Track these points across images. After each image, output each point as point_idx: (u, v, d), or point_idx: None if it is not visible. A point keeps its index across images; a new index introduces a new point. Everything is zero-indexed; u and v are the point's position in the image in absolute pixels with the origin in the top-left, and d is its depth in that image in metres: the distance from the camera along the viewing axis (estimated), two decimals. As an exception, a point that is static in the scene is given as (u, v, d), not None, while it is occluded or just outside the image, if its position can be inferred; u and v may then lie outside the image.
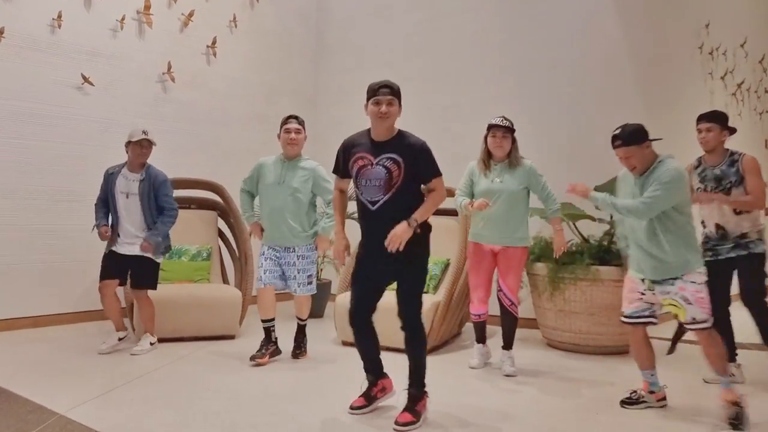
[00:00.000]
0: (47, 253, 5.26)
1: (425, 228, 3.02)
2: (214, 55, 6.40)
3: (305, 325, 4.35)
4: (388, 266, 3.01)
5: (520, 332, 4.35)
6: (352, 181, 3.08)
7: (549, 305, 4.65)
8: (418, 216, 2.92)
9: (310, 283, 4.18)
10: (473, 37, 6.16)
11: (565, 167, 5.22)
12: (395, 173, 2.96)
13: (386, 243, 2.88)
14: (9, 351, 4.33)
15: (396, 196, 2.95)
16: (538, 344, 4.91)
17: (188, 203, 5.68)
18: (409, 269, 3.04)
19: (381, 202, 2.97)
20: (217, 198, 5.70)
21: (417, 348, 3.07)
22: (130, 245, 4.29)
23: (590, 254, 4.49)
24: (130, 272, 4.39)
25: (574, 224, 4.73)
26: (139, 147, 4.30)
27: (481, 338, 4.15)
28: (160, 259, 4.42)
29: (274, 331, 4.19)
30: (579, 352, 4.59)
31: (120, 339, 4.41)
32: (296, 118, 4.16)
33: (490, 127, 3.96)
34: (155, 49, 5.94)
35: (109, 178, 4.38)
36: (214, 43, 6.36)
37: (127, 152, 4.38)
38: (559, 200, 4.02)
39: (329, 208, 4.08)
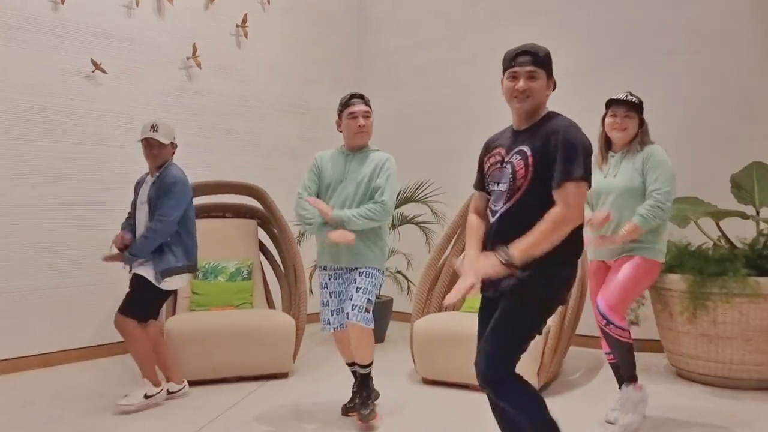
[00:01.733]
0: (59, 277, 4.37)
1: (538, 268, 1.98)
2: (245, 36, 5.47)
3: (370, 373, 3.19)
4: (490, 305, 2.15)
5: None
6: (486, 186, 2.25)
7: (686, 328, 3.65)
8: (519, 249, 1.92)
9: (367, 310, 2.99)
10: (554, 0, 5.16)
11: (685, 147, 4.26)
12: (520, 172, 2.04)
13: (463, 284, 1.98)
14: (8, 400, 3.45)
15: (519, 207, 2.03)
16: (666, 376, 3.92)
17: (222, 211, 4.77)
18: (505, 318, 2.05)
19: (499, 213, 2.08)
20: (256, 204, 4.79)
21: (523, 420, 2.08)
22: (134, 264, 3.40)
23: (745, 262, 3.48)
24: None
25: (717, 224, 3.72)
26: (147, 147, 3.38)
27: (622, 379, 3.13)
28: (162, 285, 3.32)
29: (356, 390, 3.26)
30: (728, 387, 3.60)
31: (148, 396, 3.36)
32: (361, 96, 3.14)
33: (609, 103, 3.00)
34: (177, 30, 5.03)
35: (136, 188, 3.58)
36: (244, 22, 5.43)
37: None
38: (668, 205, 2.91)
39: (372, 204, 3.01)
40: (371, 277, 3.05)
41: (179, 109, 5.03)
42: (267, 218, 4.75)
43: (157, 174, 3.39)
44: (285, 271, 4.58)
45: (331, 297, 3.16)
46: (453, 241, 4.35)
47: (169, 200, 3.29)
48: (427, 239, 5.33)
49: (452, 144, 5.71)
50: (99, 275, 4.53)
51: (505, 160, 2.11)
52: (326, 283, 3.17)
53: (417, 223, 5.30)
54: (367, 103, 3.14)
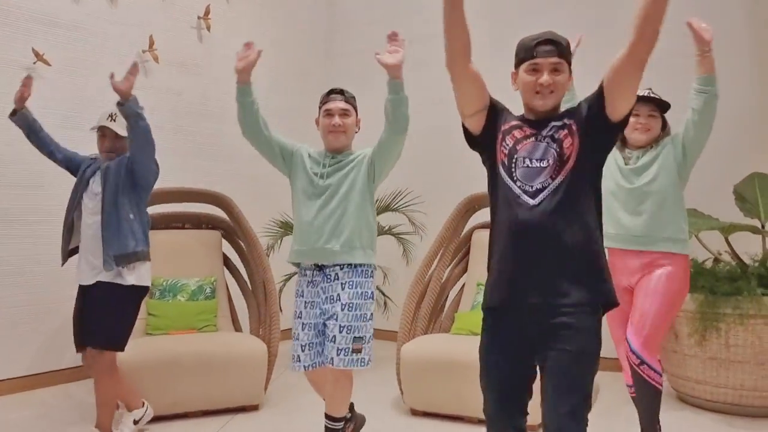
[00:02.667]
0: (11, 295, 3.82)
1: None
2: (208, 29, 5.01)
3: (342, 428, 2.72)
4: (543, 332, 1.72)
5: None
6: (498, 160, 1.84)
7: (694, 351, 3.40)
8: None
9: (357, 350, 2.51)
10: None
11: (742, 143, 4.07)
12: (566, 141, 1.77)
13: None
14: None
15: (570, 184, 1.74)
16: (666, 400, 3.67)
17: (182, 221, 4.29)
18: (576, 354, 1.69)
19: (548, 189, 1.74)
20: (220, 213, 4.34)
21: None
22: (83, 269, 2.85)
23: (759, 281, 3.26)
24: (85, 316, 2.85)
25: (726, 240, 3.49)
26: (101, 137, 2.96)
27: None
28: (130, 278, 2.79)
29: (350, 419, 2.82)
30: (738, 414, 3.37)
31: (137, 421, 3.04)
32: (342, 92, 2.72)
33: None
34: (132, 20, 4.53)
35: (86, 163, 3.04)
36: (207, 14, 4.97)
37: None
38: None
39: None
40: (359, 297, 2.55)
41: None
42: (232, 229, 4.30)
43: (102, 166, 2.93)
44: (253, 288, 4.14)
45: (302, 329, 2.62)
46: (439, 254, 4.01)
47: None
48: (404, 251, 4.98)
49: (431, 150, 5.39)
50: (39, 293, 3.99)
51: (542, 135, 1.79)
52: (300, 312, 2.65)
53: (394, 234, 4.94)
54: (348, 99, 2.72)
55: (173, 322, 3.75)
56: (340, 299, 2.55)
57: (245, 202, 4.49)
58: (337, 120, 2.63)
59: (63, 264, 2.98)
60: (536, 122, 1.82)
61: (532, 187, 1.74)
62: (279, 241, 4.74)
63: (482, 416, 3.18)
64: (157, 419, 3.27)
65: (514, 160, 1.79)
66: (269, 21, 5.56)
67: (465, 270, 4.17)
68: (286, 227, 4.78)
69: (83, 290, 2.85)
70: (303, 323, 2.63)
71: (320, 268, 2.61)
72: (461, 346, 3.35)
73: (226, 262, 4.34)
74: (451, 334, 3.73)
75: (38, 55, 3.96)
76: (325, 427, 2.68)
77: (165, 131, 4.72)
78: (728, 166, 4.13)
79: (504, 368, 1.78)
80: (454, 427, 3.23)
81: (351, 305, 2.54)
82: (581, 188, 1.75)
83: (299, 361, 2.61)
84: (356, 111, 2.75)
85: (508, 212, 1.77)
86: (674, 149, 2.65)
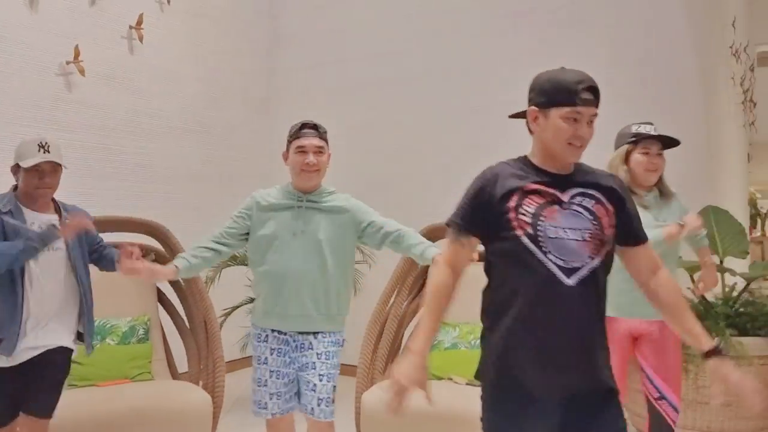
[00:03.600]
0: None
1: None
2: (140, 39, 4.58)
3: None
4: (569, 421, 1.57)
5: None
6: (515, 229, 1.59)
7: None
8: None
9: (333, 400, 2.47)
10: (493, 17, 4.79)
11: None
12: (605, 220, 1.60)
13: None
14: None
15: (603, 267, 1.59)
16: (630, 439, 3.59)
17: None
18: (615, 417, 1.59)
19: (586, 269, 1.55)
20: (153, 242, 3.92)
21: None
22: (41, 336, 2.42)
23: (726, 320, 3.23)
24: (21, 387, 2.43)
25: (691, 277, 3.46)
26: (37, 175, 2.42)
27: None
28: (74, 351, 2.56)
29: None
30: (702, 455, 3.32)
31: None
32: (315, 127, 2.47)
33: (638, 138, 2.53)
34: (55, 28, 4.06)
35: None
36: (139, 23, 4.54)
37: (17, 181, 2.51)
38: None
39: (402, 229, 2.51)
40: (335, 348, 2.47)
41: (53, 123, 4.04)
42: (167, 261, 3.87)
43: (63, 213, 2.52)
44: (191, 327, 3.75)
45: (271, 377, 2.46)
46: (397, 290, 3.78)
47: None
48: (354, 282, 4.72)
49: (379, 173, 5.16)
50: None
51: (567, 202, 1.59)
52: (266, 359, 2.47)
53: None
54: (322, 136, 2.49)
55: (102, 370, 3.31)
56: (313, 347, 2.43)
57: (181, 230, 4.08)
58: (311, 158, 2.39)
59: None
60: (554, 181, 1.62)
61: (570, 264, 1.53)
62: (218, 274, 4.37)
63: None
64: (83, 489, 2.85)
65: (540, 230, 1.56)
66: (208, 32, 5.18)
67: (420, 305, 3.96)
68: (228, 258, 4.41)
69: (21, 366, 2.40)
70: (271, 370, 2.44)
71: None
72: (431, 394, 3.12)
73: (160, 297, 3.93)
74: (414, 378, 3.49)
75: (-59, 65, 3.44)
76: None
77: (87, 149, 4.26)
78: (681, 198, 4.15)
79: None
80: (421, 482, 2.98)
81: (327, 353, 2.45)
82: (605, 272, 1.62)
83: (266, 408, 2.46)
84: (328, 146, 2.50)
85: (530, 285, 1.55)
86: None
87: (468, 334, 3.53)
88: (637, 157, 2.54)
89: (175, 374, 3.71)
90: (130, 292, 3.74)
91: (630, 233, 1.66)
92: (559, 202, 1.59)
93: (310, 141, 2.42)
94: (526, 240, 1.55)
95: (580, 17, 4.63)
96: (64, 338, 2.45)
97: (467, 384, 3.26)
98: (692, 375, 3.22)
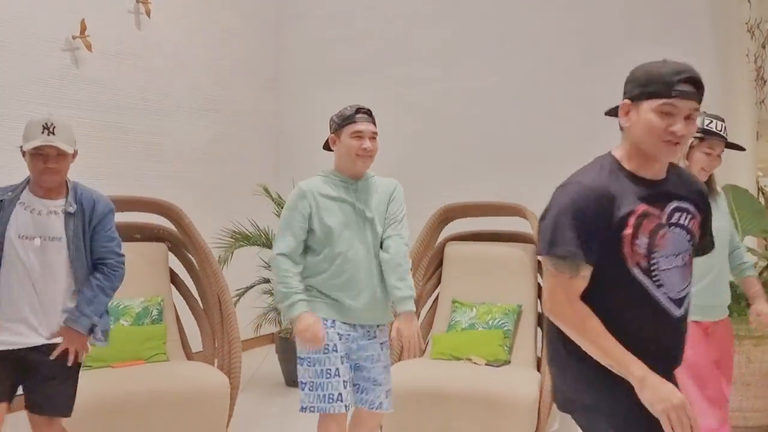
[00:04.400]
0: None
1: None
2: (147, 14, 4.50)
3: None
4: None
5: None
6: (629, 263, 1.45)
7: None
8: None
9: (390, 390, 2.45)
10: None
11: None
12: (696, 236, 1.54)
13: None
14: None
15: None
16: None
17: (122, 234, 3.78)
18: None
19: (686, 299, 1.51)
20: (165, 223, 3.88)
21: None
22: (35, 331, 2.29)
23: (747, 300, 3.19)
24: (29, 383, 2.33)
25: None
26: (41, 159, 2.25)
27: None
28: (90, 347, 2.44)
29: None
30: (721, 435, 3.31)
31: None
32: (369, 112, 2.41)
33: (706, 135, 2.34)
34: (62, 2, 3.97)
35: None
36: (146, -3, 4.45)
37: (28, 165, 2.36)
38: None
39: (405, 262, 2.42)
40: (387, 335, 2.48)
41: (60, 101, 3.97)
42: (180, 241, 3.85)
43: (71, 196, 2.35)
44: (206, 308, 3.72)
45: (342, 363, 2.30)
46: (412, 271, 3.73)
47: (116, 235, 2.47)
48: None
49: (391, 155, 5.08)
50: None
51: (667, 221, 1.48)
52: (335, 346, 2.30)
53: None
54: (374, 121, 2.44)
55: (117, 351, 3.27)
56: (377, 336, 2.43)
57: (192, 210, 4.04)
58: (368, 144, 2.35)
59: None
60: (655, 195, 1.48)
61: (678, 294, 1.47)
62: (231, 254, 4.32)
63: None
64: (103, 469, 2.84)
65: (654, 262, 1.44)
66: (215, 8, 5.09)
67: (437, 284, 3.93)
68: (239, 237, 4.37)
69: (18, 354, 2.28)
70: (341, 356, 2.30)
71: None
72: (447, 374, 3.11)
73: (173, 278, 3.90)
74: (431, 359, 3.47)
75: (-52, 40, 3.36)
76: None
77: (96, 128, 4.19)
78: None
79: None
80: (440, 462, 2.98)
81: (386, 344, 2.47)
82: None
83: (341, 399, 2.25)
84: None
85: (643, 315, 1.46)
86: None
87: (485, 315, 3.51)
88: (699, 156, 2.35)
89: (189, 355, 3.68)
90: (143, 273, 3.69)
91: (702, 244, 1.60)
92: (663, 224, 1.47)
93: (367, 126, 2.37)
94: (639, 274, 1.44)
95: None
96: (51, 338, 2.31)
97: (486, 365, 3.24)
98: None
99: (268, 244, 4.43)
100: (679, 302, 1.47)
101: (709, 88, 4.47)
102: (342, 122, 2.37)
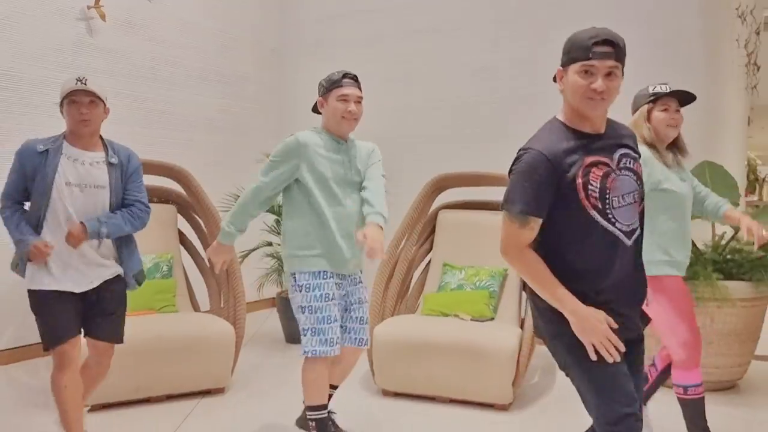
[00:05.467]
0: None
1: None
2: (158, -14, 4.68)
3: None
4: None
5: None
6: (585, 206, 1.67)
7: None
8: None
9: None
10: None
11: (693, 133, 4.18)
12: (641, 176, 1.77)
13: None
14: None
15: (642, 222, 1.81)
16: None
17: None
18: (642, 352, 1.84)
19: (637, 232, 1.75)
20: (174, 186, 4.12)
21: None
22: (89, 274, 2.51)
23: (713, 265, 3.45)
24: (91, 317, 2.55)
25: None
26: (75, 105, 2.45)
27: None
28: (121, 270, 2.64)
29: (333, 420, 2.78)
30: (685, 390, 3.59)
31: None
32: (355, 78, 2.61)
33: (657, 97, 2.62)
34: (76, -27, 4.16)
35: (38, 159, 2.45)
36: (157, -30, 4.64)
37: (64, 118, 2.56)
38: None
39: (383, 194, 2.57)
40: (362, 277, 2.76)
41: (75, 68, 4.18)
42: (188, 204, 4.10)
43: (109, 155, 2.57)
44: (212, 266, 3.98)
45: (338, 311, 2.55)
46: (407, 236, 3.99)
47: (143, 188, 2.66)
48: (362, 229, 4.93)
49: (392, 128, 5.32)
50: None
51: (617, 167, 1.71)
52: (333, 294, 2.54)
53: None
54: (360, 87, 2.62)
55: (130, 303, 3.51)
56: (361, 282, 2.71)
57: (199, 175, 4.28)
58: (353, 107, 2.54)
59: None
60: (600, 146, 1.70)
61: (629, 227, 1.70)
62: (235, 217, 4.56)
63: (454, 395, 3.24)
64: (119, 405, 3.13)
65: (608, 203, 1.67)
66: (222, -18, 5.27)
67: (429, 249, 4.18)
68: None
69: (75, 296, 2.50)
70: (337, 304, 2.55)
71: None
72: (434, 327, 3.37)
73: (182, 239, 4.15)
74: (421, 315, 3.74)
75: (-27, 8, 3.56)
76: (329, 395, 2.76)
77: (112, 96, 4.37)
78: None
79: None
80: (426, 406, 3.26)
81: (366, 288, 2.73)
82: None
83: (337, 343, 2.50)
84: None
85: (597, 247, 1.68)
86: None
87: (473, 276, 3.76)
88: (657, 114, 2.59)
89: (197, 308, 3.95)
90: (153, 232, 3.94)
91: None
92: (613, 170, 1.69)
93: (353, 90, 2.55)
94: (596, 215, 1.66)
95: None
96: (114, 269, 2.58)
97: (472, 320, 3.51)
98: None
99: (271, 209, 4.67)
100: (629, 234, 1.70)
101: (694, 71, 4.66)
102: (330, 86, 2.55)
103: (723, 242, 3.68)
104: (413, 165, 5.20)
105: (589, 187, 1.65)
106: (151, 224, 3.94)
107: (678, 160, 2.69)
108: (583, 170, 1.66)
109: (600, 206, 1.67)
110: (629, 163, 1.73)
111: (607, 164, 1.69)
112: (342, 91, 2.54)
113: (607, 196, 1.67)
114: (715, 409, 3.30)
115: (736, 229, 3.63)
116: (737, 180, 4.26)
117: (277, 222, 4.74)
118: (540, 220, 1.67)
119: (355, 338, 2.64)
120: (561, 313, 1.68)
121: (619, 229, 1.69)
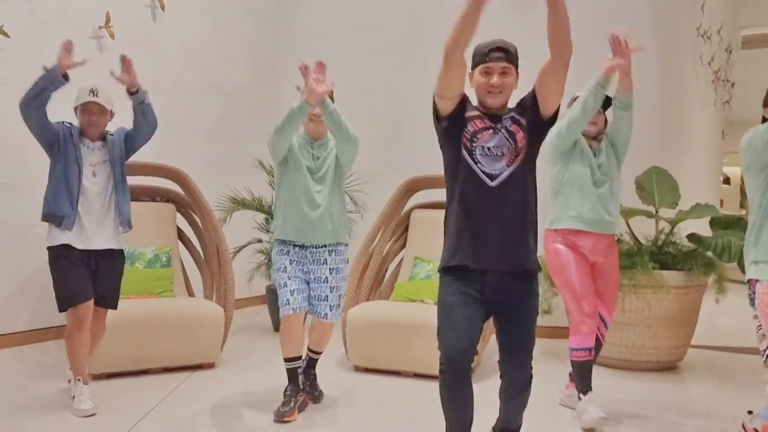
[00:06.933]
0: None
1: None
2: (162, 8, 5.18)
3: (318, 359, 3.34)
4: (500, 284, 2.10)
5: (542, 343, 3.64)
6: (461, 144, 2.13)
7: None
8: None
9: (340, 305, 3.19)
10: None
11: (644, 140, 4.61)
12: (519, 136, 2.13)
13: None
14: None
15: (521, 171, 2.12)
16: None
17: (137, 194, 4.48)
18: (533, 311, 2.16)
19: (504, 175, 2.09)
20: (174, 187, 4.58)
21: (525, 403, 2.25)
22: (95, 236, 3.05)
23: (650, 257, 3.87)
24: (95, 281, 3.10)
25: (627, 222, 4.09)
26: (87, 114, 3.08)
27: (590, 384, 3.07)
28: (122, 245, 3.22)
29: (302, 373, 3.21)
30: (629, 369, 3.99)
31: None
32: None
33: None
34: (89, -4, 4.66)
35: (70, 130, 3.09)
36: (161, -7, 5.14)
37: (77, 118, 3.18)
38: None
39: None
40: (342, 263, 3.13)
41: (88, 82, 4.64)
42: (186, 203, 4.55)
43: (107, 143, 3.18)
44: (206, 258, 4.43)
45: (289, 279, 3.03)
46: (381, 231, 4.43)
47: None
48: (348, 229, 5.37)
49: (377, 134, 5.77)
50: (18, 259, 4.13)
51: (493, 126, 2.12)
52: (286, 267, 3.04)
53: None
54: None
55: (132, 287, 3.99)
56: (327, 263, 3.07)
57: (197, 178, 4.73)
58: (318, 110, 3.02)
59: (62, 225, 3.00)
60: (491, 116, 2.14)
61: (492, 171, 2.09)
62: (230, 215, 5.03)
63: (419, 370, 3.65)
64: (120, 375, 3.55)
65: (474, 146, 2.10)
66: (221, 3, 5.76)
67: (404, 245, 4.61)
68: (237, 202, 5.07)
69: (90, 253, 3.05)
70: (289, 276, 3.03)
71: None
72: (401, 310, 3.80)
73: (180, 234, 4.60)
74: (392, 301, 4.17)
75: (-1, 27, 4.06)
76: (309, 358, 3.27)
77: (119, 107, 4.86)
78: (632, 161, 4.75)
79: (466, 312, 2.09)
80: (393, 380, 3.67)
81: (333, 269, 3.09)
82: (527, 175, 2.14)
83: (289, 304, 2.99)
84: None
85: (469, 191, 2.10)
86: (612, 147, 3.10)
87: (439, 267, 4.19)
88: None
89: (191, 294, 4.39)
90: (154, 226, 4.40)
91: (530, 99, 2.14)
92: (493, 128, 2.11)
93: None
94: (465, 154, 2.11)
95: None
96: (114, 242, 3.13)
97: (434, 304, 3.93)
98: (620, 300, 3.88)
99: (261, 209, 5.13)
100: (491, 177, 2.08)
101: (653, 88, 5.03)
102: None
103: (662, 236, 4.10)
104: (398, 168, 5.65)
105: (466, 129, 2.12)
106: (152, 221, 4.42)
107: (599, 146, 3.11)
108: (469, 116, 2.14)
109: (468, 146, 2.11)
110: (507, 124, 2.13)
111: (490, 124, 2.13)
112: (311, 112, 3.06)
113: (475, 140, 2.11)
114: (655, 385, 3.71)
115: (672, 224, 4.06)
116: (712, 193, 4.67)
117: (266, 220, 5.19)
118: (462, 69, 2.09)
119: (316, 312, 3.09)
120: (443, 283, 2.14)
121: (480, 170, 2.09)
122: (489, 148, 2.11)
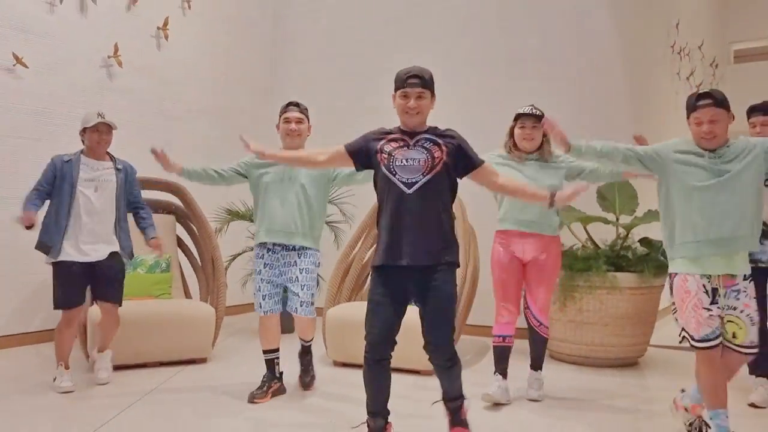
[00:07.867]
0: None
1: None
2: (166, 38, 5.66)
3: (310, 346, 3.71)
4: (418, 276, 2.47)
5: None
6: (380, 163, 2.53)
7: (558, 315, 4.31)
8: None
9: (312, 303, 3.50)
10: (463, 24, 5.76)
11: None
12: (436, 151, 2.49)
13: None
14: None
15: (435, 180, 2.46)
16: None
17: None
18: (449, 291, 2.51)
19: (419, 183, 2.44)
20: (174, 200, 5.00)
21: (456, 377, 2.63)
22: (96, 249, 3.53)
23: (606, 260, 4.18)
24: (94, 283, 3.61)
25: (585, 228, 4.42)
26: (97, 133, 3.58)
27: (505, 369, 3.46)
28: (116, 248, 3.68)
29: (278, 364, 3.58)
30: (590, 365, 4.29)
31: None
32: (297, 105, 3.56)
33: (518, 116, 3.44)
34: (99, 28, 5.15)
35: (65, 166, 3.53)
36: (165, 24, 5.61)
37: (83, 141, 3.65)
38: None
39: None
40: (313, 265, 3.45)
41: (98, 107, 5.10)
42: (185, 214, 4.97)
43: (116, 163, 3.67)
44: (202, 265, 4.83)
45: (262, 283, 3.44)
46: (362, 239, 4.80)
47: (139, 190, 3.82)
48: (335, 237, 5.75)
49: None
50: (35, 266, 4.57)
51: (412, 143, 2.49)
52: (260, 270, 3.45)
53: (327, 223, 5.70)
54: (303, 111, 3.56)
55: (133, 290, 4.39)
56: (297, 265, 3.41)
57: (195, 191, 5.15)
58: (293, 126, 3.47)
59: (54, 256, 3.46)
60: (409, 133, 2.54)
61: (408, 180, 2.45)
62: (225, 226, 5.44)
63: (391, 364, 3.97)
64: (120, 367, 3.94)
65: (392, 161, 2.47)
66: (221, 31, 6.24)
67: (384, 252, 4.97)
68: (233, 214, 5.49)
69: (87, 265, 3.51)
70: (262, 279, 3.44)
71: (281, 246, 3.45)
72: (374, 309, 4.14)
73: (179, 243, 5.01)
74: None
75: (17, 59, 4.54)
76: (301, 345, 3.67)
77: (126, 127, 5.33)
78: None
79: (388, 309, 2.53)
80: (367, 374, 4.01)
81: (303, 270, 3.42)
82: (443, 183, 2.50)
83: (260, 307, 3.46)
84: (308, 120, 3.57)
85: (390, 199, 2.47)
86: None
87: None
88: (517, 131, 3.40)
89: (188, 297, 4.79)
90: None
91: (468, 163, 2.55)
92: (408, 145, 2.50)
93: (293, 114, 3.50)
94: (384, 169, 2.50)
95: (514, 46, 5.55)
96: (113, 247, 3.60)
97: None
98: (577, 301, 4.19)
99: (249, 219, 5.53)
100: (408, 185, 2.43)
101: (620, 103, 5.36)
102: (280, 113, 3.53)
103: (619, 241, 4.41)
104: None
105: (382, 152, 2.52)
106: (154, 230, 4.83)
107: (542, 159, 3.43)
108: (386, 142, 2.53)
109: (386, 163, 2.49)
110: (425, 144, 2.50)
111: (405, 141, 2.52)
112: (286, 115, 3.52)
113: (393, 157, 2.48)
114: (614, 380, 4.00)
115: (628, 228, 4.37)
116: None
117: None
118: (345, 153, 2.64)
119: (291, 306, 3.45)
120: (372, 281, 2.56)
121: (398, 180, 2.46)
122: (405, 160, 2.47)
